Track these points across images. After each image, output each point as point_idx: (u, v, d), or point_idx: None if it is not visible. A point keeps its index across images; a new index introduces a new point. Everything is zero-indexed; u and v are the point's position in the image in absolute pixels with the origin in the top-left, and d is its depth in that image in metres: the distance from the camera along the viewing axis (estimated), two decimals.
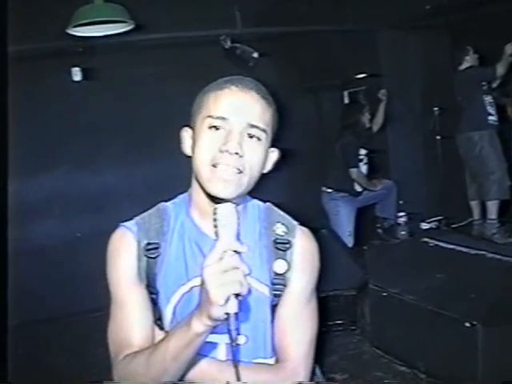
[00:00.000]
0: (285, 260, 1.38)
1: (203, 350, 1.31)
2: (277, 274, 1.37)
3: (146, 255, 1.35)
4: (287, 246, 1.39)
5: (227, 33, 4.97)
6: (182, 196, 1.44)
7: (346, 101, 6.50)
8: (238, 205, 1.26)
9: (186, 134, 1.37)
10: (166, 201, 1.44)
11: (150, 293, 1.36)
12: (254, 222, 1.41)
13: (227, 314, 1.12)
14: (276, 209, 1.46)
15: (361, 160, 5.43)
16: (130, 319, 1.35)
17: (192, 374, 1.31)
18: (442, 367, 3.62)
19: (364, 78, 6.01)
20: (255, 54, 4.86)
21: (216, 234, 1.17)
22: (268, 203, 1.47)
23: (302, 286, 1.39)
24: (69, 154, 5.55)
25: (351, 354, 4.26)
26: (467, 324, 3.43)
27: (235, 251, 1.13)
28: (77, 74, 5.54)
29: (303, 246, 1.41)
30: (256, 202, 1.45)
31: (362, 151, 5.45)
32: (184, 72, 5.08)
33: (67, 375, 3.93)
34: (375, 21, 5.86)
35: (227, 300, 1.10)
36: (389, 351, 4.13)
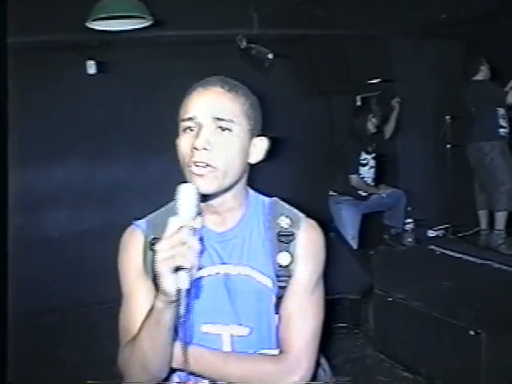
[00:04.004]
0: (288, 252, 1.40)
1: (207, 342, 1.36)
2: (281, 266, 1.39)
3: (151, 248, 1.39)
4: (290, 238, 1.41)
5: (244, 33, 4.97)
6: None
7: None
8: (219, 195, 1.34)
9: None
10: None
11: (156, 285, 1.40)
12: (256, 216, 1.43)
13: (178, 289, 1.16)
14: (282, 203, 1.48)
15: (364, 164, 5.43)
16: (135, 310, 1.38)
17: (195, 365, 1.32)
18: (445, 374, 3.62)
19: (377, 83, 6.00)
20: (270, 55, 4.86)
21: (176, 211, 1.22)
22: (274, 198, 1.49)
23: (306, 277, 1.40)
24: (81, 146, 5.57)
25: (354, 358, 4.26)
26: (471, 332, 3.43)
27: (191, 228, 1.18)
28: (91, 67, 5.56)
29: (307, 238, 1.42)
30: (261, 197, 1.47)
31: (368, 156, 5.44)
32: (198, 69, 5.06)
33: (72, 366, 3.96)
34: (391, 28, 5.87)
35: (176, 273, 1.15)
36: (392, 356, 4.13)
